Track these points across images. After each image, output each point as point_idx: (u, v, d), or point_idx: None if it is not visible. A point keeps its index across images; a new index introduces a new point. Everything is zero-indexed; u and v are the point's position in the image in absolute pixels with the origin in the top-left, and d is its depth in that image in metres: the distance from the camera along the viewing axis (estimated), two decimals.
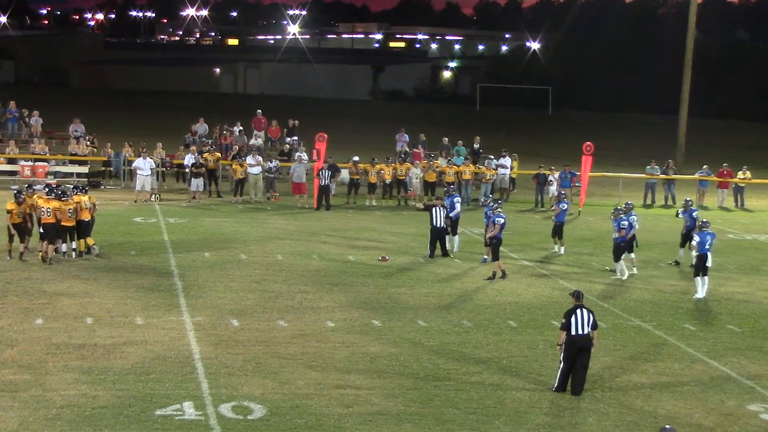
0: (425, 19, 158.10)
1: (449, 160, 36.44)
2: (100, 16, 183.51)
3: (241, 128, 38.41)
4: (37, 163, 34.16)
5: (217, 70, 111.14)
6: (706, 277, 21.23)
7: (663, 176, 36.43)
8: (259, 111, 40.41)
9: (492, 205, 23.21)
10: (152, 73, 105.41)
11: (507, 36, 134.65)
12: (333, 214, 30.57)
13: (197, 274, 21.20)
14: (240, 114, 46.05)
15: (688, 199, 26.69)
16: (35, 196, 22.15)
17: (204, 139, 38.23)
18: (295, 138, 38.83)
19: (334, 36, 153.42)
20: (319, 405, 13.67)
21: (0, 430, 12.41)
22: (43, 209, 21.34)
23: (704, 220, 22.05)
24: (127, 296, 19.04)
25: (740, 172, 36.90)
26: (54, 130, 40.04)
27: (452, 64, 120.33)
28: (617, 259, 22.82)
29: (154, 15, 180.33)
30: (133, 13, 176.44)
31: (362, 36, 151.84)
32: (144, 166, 31.65)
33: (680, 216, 25.19)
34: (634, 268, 23.29)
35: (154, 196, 31.48)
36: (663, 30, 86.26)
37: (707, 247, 21.13)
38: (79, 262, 21.73)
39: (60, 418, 12.77)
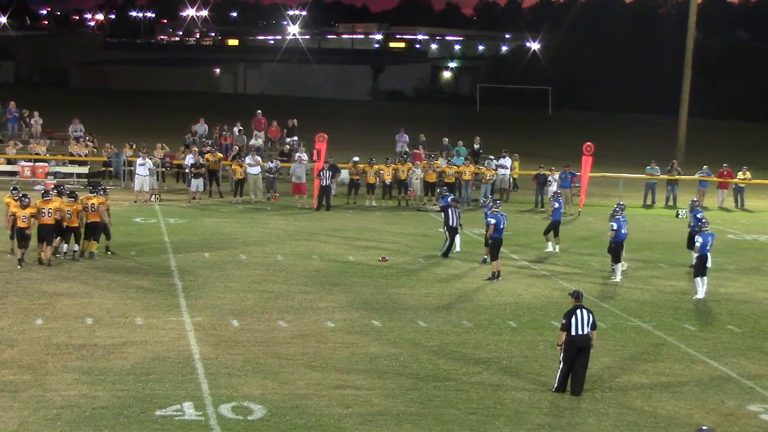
0: (425, 19, 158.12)
1: (449, 160, 36.44)
2: (100, 17, 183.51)
3: (241, 128, 38.43)
4: (37, 164, 34.16)
5: (217, 70, 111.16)
6: (705, 278, 21.24)
7: (663, 176, 36.41)
8: (259, 111, 40.42)
9: (490, 206, 23.26)
10: (152, 73, 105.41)
11: (507, 36, 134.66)
12: (333, 215, 30.57)
13: (197, 274, 21.21)
14: (240, 114, 46.06)
15: (694, 199, 26.75)
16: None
17: (204, 139, 38.25)
18: (295, 138, 38.84)
19: (334, 36, 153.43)
20: (319, 405, 13.67)
21: (0, 430, 12.41)
22: (44, 210, 21.20)
23: (703, 220, 22.06)
24: (127, 297, 19.04)
25: (740, 173, 36.90)
26: (54, 131, 40.04)
27: (452, 65, 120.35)
28: (614, 260, 22.80)
29: (154, 15, 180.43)
30: (133, 14, 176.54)
31: (362, 36, 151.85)
32: (143, 166, 31.68)
33: (680, 216, 25.22)
34: (625, 264, 23.30)
35: (154, 196, 31.48)
36: (663, 30, 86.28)
37: (708, 248, 21.15)
38: (80, 263, 21.71)
39: (60, 419, 12.77)
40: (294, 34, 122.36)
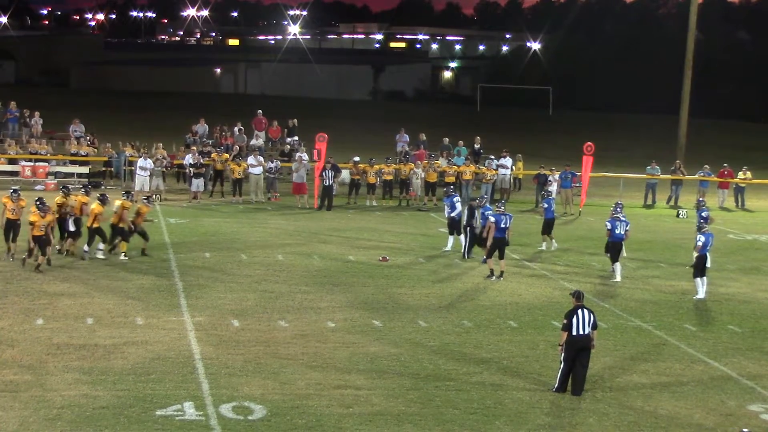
0: (426, 19, 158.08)
1: (450, 160, 36.45)
2: (100, 17, 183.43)
3: (241, 128, 38.44)
4: (37, 164, 34.17)
5: (218, 70, 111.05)
6: (704, 278, 21.24)
7: (664, 176, 36.43)
8: (260, 111, 40.43)
9: (486, 206, 23.49)
10: (153, 73, 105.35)
11: (507, 36, 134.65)
12: (333, 215, 30.58)
13: (198, 274, 21.22)
14: (240, 114, 46.06)
15: (701, 199, 26.75)
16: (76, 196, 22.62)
17: (204, 139, 38.27)
18: (296, 138, 38.87)
19: (335, 36, 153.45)
20: (319, 405, 13.67)
21: (0, 430, 12.41)
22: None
23: (708, 219, 22.05)
24: (127, 296, 19.05)
25: (740, 173, 36.90)
26: (54, 131, 40.04)
27: (453, 65, 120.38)
28: (613, 260, 22.84)
29: (154, 15, 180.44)
30: (134, 14, 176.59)
31: (363, 36, 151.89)
32: (144, 166, 31.72)
33: (681, 216, 25.22)
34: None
35: (155, 196, 31.48)
36: (663, 30, 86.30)
37: (708, 248, 21.16)
38: (79, 263, 21.73)
39: (60, 419, 12.77)
40: (294, 34, 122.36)
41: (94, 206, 22.07)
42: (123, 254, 22.37)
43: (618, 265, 22.72)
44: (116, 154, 35.20)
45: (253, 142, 38.17)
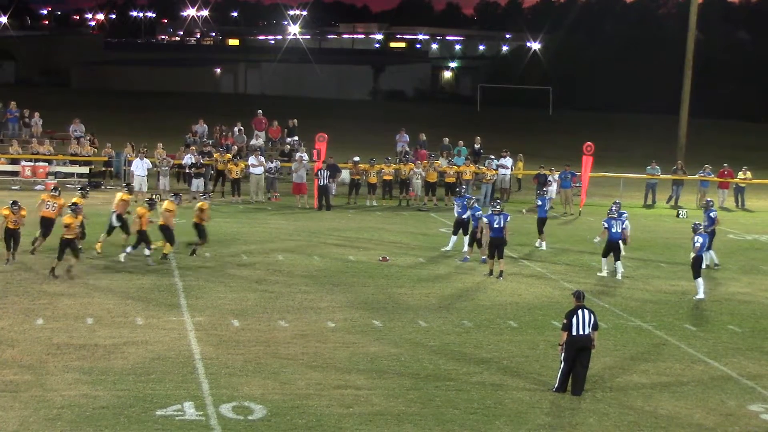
0: (426, 19, 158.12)
1: (450, 160, 36.46)
2: (100, 17, 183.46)
3: (241, 128, 38.44)
4: (37, 164, 34.16)
5: (218, 70, 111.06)
6: (695, 277, 21.24)
7: (663, 176, 36.44)
8: (260, 111, 40.44)
9: (475, 206, 23.71)
10: (153, 73, 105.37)
11: (507, 36, 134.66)
12: (333, 214, 30.59)
13: (197, 274, 21.22)
14: (240, 114, 46.06)
15: (709, 199, 26.81)
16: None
17: (204, 139, 38.27)
18: (296, 138, 38.88)
19: (335, 36, 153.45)
20: (319, 405, 13.67)
21: (0, 430, 12.41)
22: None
23: (697, 222, 22.07)
24: (127, 296, 19.05)
25: (741, 173, 36.89)
26: (54, 131, 40.04)
27: (453, 65, 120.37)
28: (615, 259, 22.92)
29: (154, 15, 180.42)
30: (134, 14, 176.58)
31: (363, 36, 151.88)
32: (140, 166, 31.75)
33: (681, 216, 25.23)
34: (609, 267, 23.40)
35: (155, 196, 31.45)
36: (663, 30, 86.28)
37: (704, 248, 21.20)
38: (80, 263, 21.70)
39: (60, 419, 12.77)
40: (294, 34, 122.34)
41: (140, 209, 22.10)
42: (165, 255, 22.49)
43: (619, 264, 22.80)
44: (116, 154, 35.20)
45: (253, 142, 38.18)
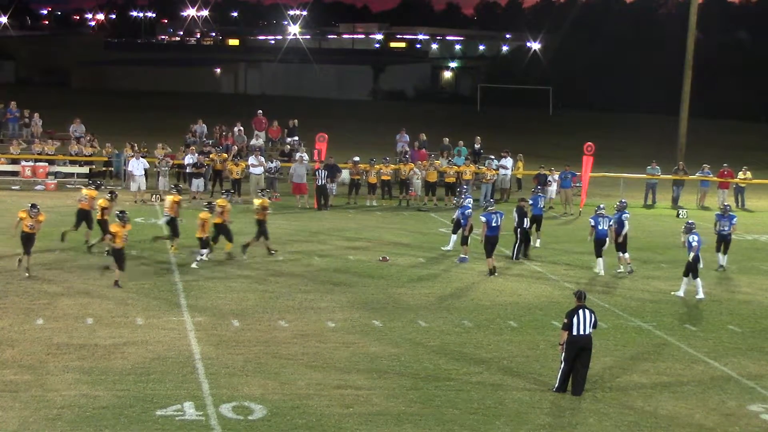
0: (426, 19, 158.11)
1: (450, 160, 36.46)
2: (100, 17, 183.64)
3: (241, 128, 38.44)
4: (37, 164, 34.15)
5: (218, 70, 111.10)
6: (694, 279, 21.21)
7: (663, 176, 36.43)
8: (260, 111, 40.44)
9: (465, 206, 23.85)
10: (153, 73, 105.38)
11: (507, 36, 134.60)
12: (333, 215, 30.58)
13: (197, 274, 21.21)
14: (240, 114, 46.06)
15: (727, 204, 26.84)
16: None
17: (204, 139, 38.26)
18: (296, 138, 38.88)
19: (335, 36, 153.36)
20: (319, 405, 13.67)
21: (0, 430, 12.41)
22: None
23: (690, 221, 22.08)
24: (127, 296, 19.05)
25: (740, 173, 36.88)
26: (54, 131, 40.05)
27: (453, 65, 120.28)
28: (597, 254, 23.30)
29: (154, 15, 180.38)
30: (134, 14, 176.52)
31: (363, 36, 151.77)
32: (138, 166, 31.77)
33: (681, 216, 25.24)
34: (621, 267, 23.39)
35: (154, 196, 31.52)
36: (663, 30, 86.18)
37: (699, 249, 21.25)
38: (80, 263, 21.73)
39: (60, 419, 12.77)
40: (294, 34, 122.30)
41: (202, 214, 22.15)
42: (229, 253, 22.71)
43: (600, 260, 23.12)
44: (117, 154, 35.18)
45: (253, 142, 38.18)
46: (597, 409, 14.13)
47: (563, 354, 14.54)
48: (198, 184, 32.09)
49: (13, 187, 32.96)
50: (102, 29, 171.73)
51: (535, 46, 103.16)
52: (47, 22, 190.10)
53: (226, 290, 19.90)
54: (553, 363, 15.46)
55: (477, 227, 23.88)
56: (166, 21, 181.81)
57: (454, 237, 25.14)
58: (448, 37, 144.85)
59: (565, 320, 14.54)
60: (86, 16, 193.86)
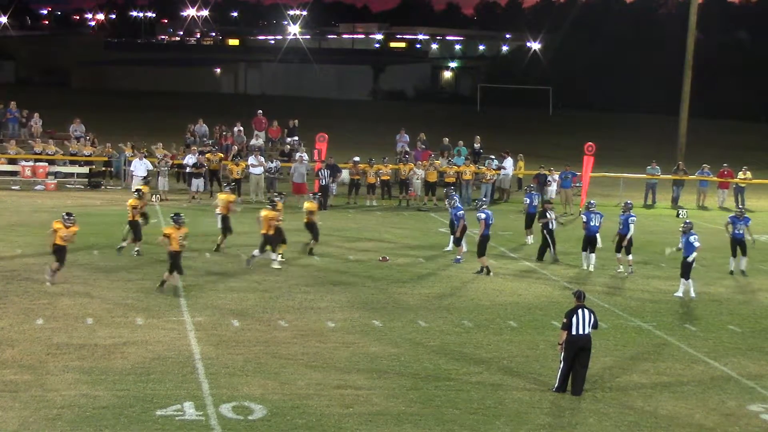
0: (426, 19, 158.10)
1: (450, 160, 36.46)
2: (100, 17, 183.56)
3: (241, 128, 38.44)
4: (37, 164, 34.16)
5: (218, 70, 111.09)
6: (684, 279, 21.23)
7: (663, 176, 36.43)
8: (260, 111, 40.44)
9: (457, 206, 23.99)
10: (153, 73, 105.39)
11: (507, 36, 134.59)
12: (333, 214, 30.57)
13: (198, 274, 21.20)
14: (240, 114, 46.05)
15: (741, 207, 26.87)
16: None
17: (204, 139, 38.26)
18: (296, 138, 38.88)
19: (335, 36, 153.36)
20: (319, 405, 13.67)
21: (0, 430, 12.41)
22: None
23: (687, 221, 22.09)
24: (127, 296, 19.05)
25: (740, 173, 36.86)
26: (54, 131, 40.06)
27: (453, 65, 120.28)
28: (583, 249, 23.68)
29: (154, 15, 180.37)
30: (134, 14, 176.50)
31: (363, 36, 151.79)
32: (140, 167, 31.78)
33: (681, 216, 25.22)
34: (621, 267, 23.40)
35: (154, 196, 31.51)
36: (663, 30, 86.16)
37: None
38: (79, 263, 21.73)
39: (60, 419, 12.77)
40: (294, 34, 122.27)
41: (265, 212, 22.08)
42: (280, 255, 22.55)
43: (585, 254, 23.41)
44: (117, 154, 35.20)
45: (253, 142, 38.17)
46: (597, 409, 14.13)
47: (562, 354, 14.54)
48: (198, 184, 32.09)
49: (13, 187, 32.97)
50: (102, 29, 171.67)
51: (535, 46, 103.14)
52: (47, 22, 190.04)
53: (226, 290, 19.90)
54: (552, 363, 15.46)
55: (474, 227, 23.87)
56: (166, 21, 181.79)
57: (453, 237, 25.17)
58: (448, 37, 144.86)
59: (565, 320, 14.55)
60: (86, 16, 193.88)
